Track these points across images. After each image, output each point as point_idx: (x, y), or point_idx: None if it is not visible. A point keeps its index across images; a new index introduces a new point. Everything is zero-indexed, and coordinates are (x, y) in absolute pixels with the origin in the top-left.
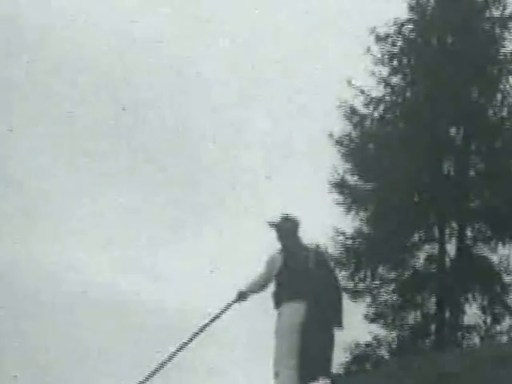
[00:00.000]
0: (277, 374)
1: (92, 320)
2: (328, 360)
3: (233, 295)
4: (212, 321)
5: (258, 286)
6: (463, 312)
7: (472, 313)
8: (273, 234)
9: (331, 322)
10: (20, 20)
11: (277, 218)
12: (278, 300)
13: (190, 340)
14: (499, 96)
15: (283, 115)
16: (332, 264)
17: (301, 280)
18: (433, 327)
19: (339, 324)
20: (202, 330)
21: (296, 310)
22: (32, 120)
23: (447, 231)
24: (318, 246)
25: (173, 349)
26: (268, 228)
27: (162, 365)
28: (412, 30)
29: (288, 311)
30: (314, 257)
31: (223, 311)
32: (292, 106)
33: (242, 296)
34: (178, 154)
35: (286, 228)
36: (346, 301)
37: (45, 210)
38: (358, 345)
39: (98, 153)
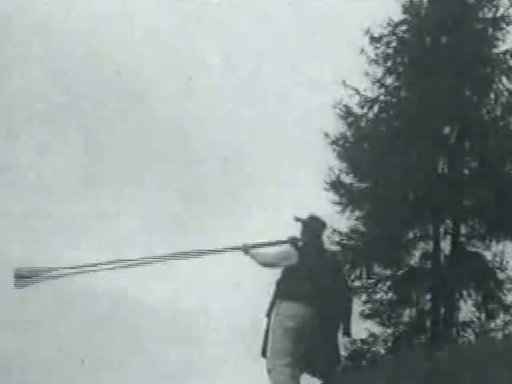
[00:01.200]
0: (270, 371)
1: (94, 318)
2: (328, 368)
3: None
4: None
5: (263, 258)
6: (458, 308)
7: (467, 309)
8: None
9: (336, 329)
10: None
11: (305, 216)
12: (282, 295)
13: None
14: (492, 95)
15: (278, 114)
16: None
17: (311, 283)
18: (428, 324)
19: (348, 334)
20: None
21: (297, 313)
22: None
23: (442, 229)
24: (335, 253)
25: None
26: (294, 222)
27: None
28: (406, 31)
29: (288, 312)
30: (329, 262)
31: (223, 250)
32: (287, 105)
33: (245, 249)
34: (179, 155)
35: (312, 227)
36: None
37: (45, 208)
38: (353, 341)
39: (99, 150)
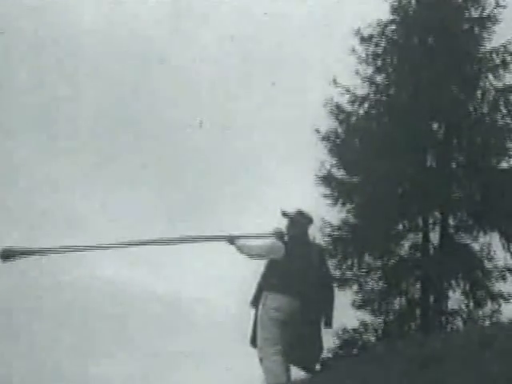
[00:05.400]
0: (261, 359)
1: (95, 310)
2: (312, 358)
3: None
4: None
5: (249, 250)
6: (447, 297)
7: (455, 298)
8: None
9: (320, 322)
10: None
11: (292, 211)
12: (269, 287)
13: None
14: (479, 93)
15: (272, 112)
16: (329, 265)
17: (297, 276)
18: (418, 312)
19: (329, 325)
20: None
21: (284, 304)
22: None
23: (430, 220)
24: (320, 246)
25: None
26: (281, 217)
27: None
28: (395, 31)
29: (276, 303)
30: (315, 256)
31: (209, 239)
32: (280, 103)
33: (230, 239)
34: (172, 149)
35: (299, 222)
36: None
37: (47, 203)
38: (345, 330)
39: (98, 145)
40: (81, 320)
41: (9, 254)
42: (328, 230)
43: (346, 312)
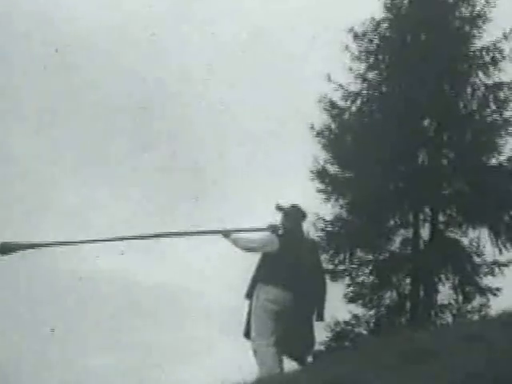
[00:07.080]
0: (255, 351)
1: (94, 302)
2: (305, 350)
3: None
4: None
5: (244, 243)
6: (436, 291)
7: (445, 292)
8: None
9: (312, 315)
10: None
11: (287, 205)
12: (264, 279)
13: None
14: (469, 90)
15: (268, 108)
16: (322, 259)
17: (291, 269)
18: (408, 306)
19: (321, 318)
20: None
21: (278, 297)
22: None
23: (421, 216)
24: (314, 240)
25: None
26: (275, 211)
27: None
28: (387, 29)
29: (270, 295)
30: (308, 250)
31: (204, 233)
32: (275, 99)
33: (225, 233)
34: (168, 145)
35: (293, 216)
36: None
37: (45, 196)
38: (337, 323)
39: (96, 136)
40: (77, 312)
41: (7, 248)
42: (321, 224)
43: (338, 305)
